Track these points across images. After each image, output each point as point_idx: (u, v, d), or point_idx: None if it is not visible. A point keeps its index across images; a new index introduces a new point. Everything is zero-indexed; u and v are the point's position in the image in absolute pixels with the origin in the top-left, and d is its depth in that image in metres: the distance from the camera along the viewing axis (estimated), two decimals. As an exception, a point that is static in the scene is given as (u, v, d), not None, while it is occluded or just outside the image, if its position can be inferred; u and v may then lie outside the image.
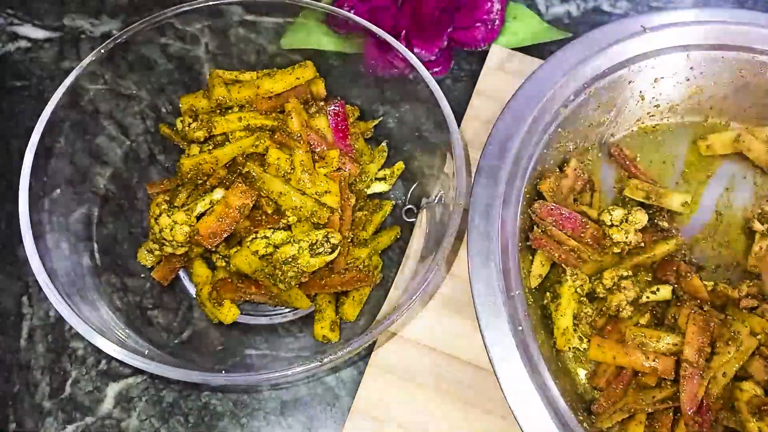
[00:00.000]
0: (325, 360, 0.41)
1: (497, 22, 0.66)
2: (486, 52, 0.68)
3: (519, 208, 0.52)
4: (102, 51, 0.53)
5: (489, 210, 0.50)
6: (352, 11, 0.64)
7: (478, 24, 0.66)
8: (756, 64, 0.60)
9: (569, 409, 0.45)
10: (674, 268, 0.53)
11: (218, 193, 0.48)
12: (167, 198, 0.49)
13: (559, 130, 0.56)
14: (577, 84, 0.57)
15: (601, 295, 0.52)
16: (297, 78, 0.55)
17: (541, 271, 0.52)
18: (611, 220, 0.52)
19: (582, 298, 0.51)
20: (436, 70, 0.67)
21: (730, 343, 0.47)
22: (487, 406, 0.52)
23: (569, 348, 0.50)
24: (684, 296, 0.52)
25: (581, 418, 0.46)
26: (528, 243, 0.52)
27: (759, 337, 0.49)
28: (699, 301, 0.52)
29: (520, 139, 0.53)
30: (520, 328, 0.46)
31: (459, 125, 0.64)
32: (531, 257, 0.53)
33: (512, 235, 0.50)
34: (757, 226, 0.56)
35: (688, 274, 0.52)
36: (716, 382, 0.47)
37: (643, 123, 0.63)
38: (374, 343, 0.54)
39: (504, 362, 0.44)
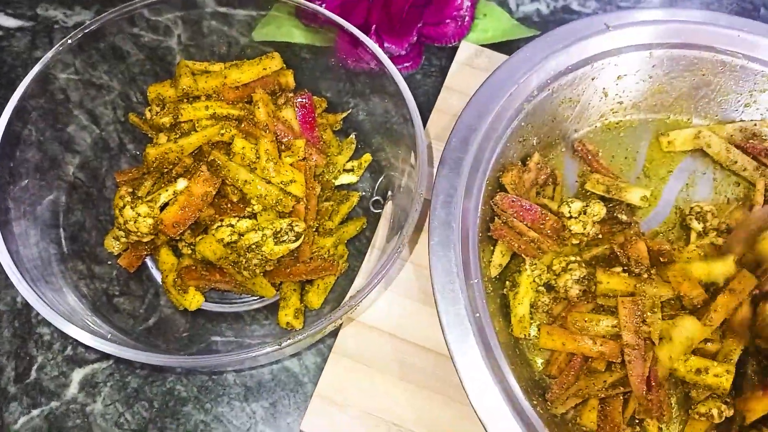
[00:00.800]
0: (284, 344, 0.41)
1: (467, 18, 0.67)
2: (456, 48, 0.69)
3: (480, 198, 0.53)
4: (72, 40, 0.53)
5: (450, 200, 0.51)
6: (323, 5, 0.65)
7: (448, 20, 0.67)
8: (717, 63, 0.62)
9: (525, 395, 0.46)
10: (622, 238, 0.55)
11: (181, 183, 0.49)
12: (131, 189, 0.50)
13: (523, 124, 0.57)
14: (540, 80, 0.58)
15: (552, 281, 0.54)
16: (264, 69, 0.55)
17: (501, 261, 0.54)
18: (570, 212, 0.54)
19: (540, 287, 0.53)
20: (406, 64, 0.68)
21: (654, 309, 0.49)
22: (448, 392, 0.53)
23: (525, 336, 0.52)
24: (631, 264, 0.53)
25: (535, 402, 0.47)
26: (489, 233, 0.54)
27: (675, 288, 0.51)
28: (645, 268, 0.53)
29: (483, 132, 0.54)
30: (478, 315, 0.47)
31: (427, 119, 0.65)
32: (492, 247, 0.55)
33: (473, 225, 0.51)
34: (694, 224, 0.57)
35: (634, 239, 0.54)
36: (662, 355, 0.48)
37: (606, 119, 0.64)
38: (338, 330, 0.54)
39: (461, 348, 0.46)
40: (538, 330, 0.53)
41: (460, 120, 0.54)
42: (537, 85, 0.58)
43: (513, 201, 0.53)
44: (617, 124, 0.65)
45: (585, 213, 0.54)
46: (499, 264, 0.54)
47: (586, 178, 0.60)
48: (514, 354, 0.51)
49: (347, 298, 0.52)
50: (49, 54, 0.52)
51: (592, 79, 0.61)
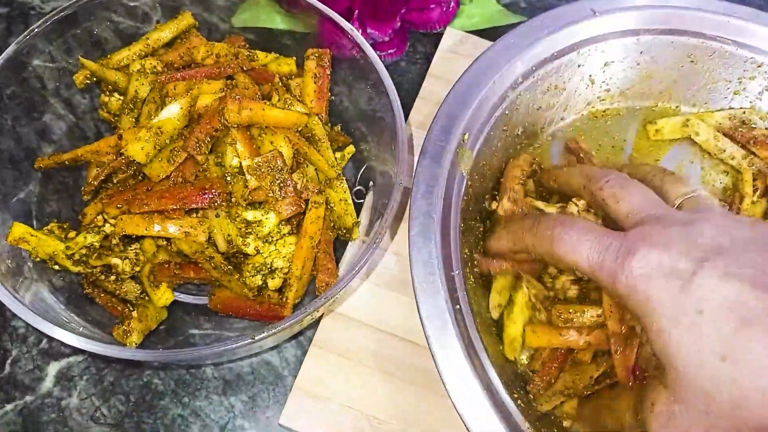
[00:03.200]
0: (258, 337, 0.41)
1: (452, 4, 0.66)
2: (441, 35, 0.67)
3: (462, 188, 0.52)
4: (45, 24, 0.52)
5: (431, 190, 0.50)
6: (305, -10, 0.63)
7: (433, 6, 0.66)
8: (706, 49, 0.61)
9: (506, 389, 0.46)
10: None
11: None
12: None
13: (507, 113, 0.56)
14: (525, 67, 0.57)
15: (548, 284, 0.52)
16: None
17: (501, 300, 0.52)
18: (579, 211, 0.52)
19: (538, 305, 0.51)
20: (390, 51, 0.67)
21: None
22: (429, 384, 0.52)
23: (516, 358, 0.50)
24: None
25: (516, 396, 0.46)
26: (476, 270, 0.52)
27: None
28: None
29: (465, 121, 0.53)
30: (458, 307, 0.46)
31: (411, 107, 0.64)
32: (485, 290, 0.53)
33: (454, 216, 0.50)
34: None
35: None
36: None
37: (593, 107, 0.63)
38: (318, 322, 0.54)
39: (440, 341, 0.45)
40: (531, 356, 0.52)
41: (442, 108, 0.53)
42: (522, 72, 0.56)
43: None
44: (604, 112, 0.64)
45: (588, 210, 0.52)
46: (499, 304, 0.52)
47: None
48: (496, 349, 0.50)
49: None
50: (21, 38, 0.51)
51: (579, 66, 0.60)
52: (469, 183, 0.53)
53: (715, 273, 0.36)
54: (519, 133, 0.59)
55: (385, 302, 0.55)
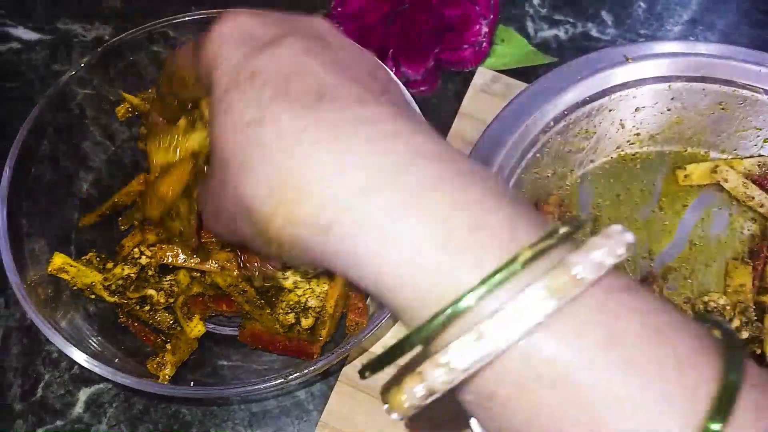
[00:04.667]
0: (290, 378, 0.41)
1: (484, 44, 0.67)
2: (473, 73, 0.68)
3: None
4: (94, 57, 0.54)
5: None
6: (341, 29, 0.65)
7: (466, 46, 0.67)
8: (737, 98, 0.61)
9: None
10: None
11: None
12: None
13: (538, 156, 0.57)
14: (557, 111, 0.57)
15: None
16: None
17: None
18: None
19: None
20: (422, 89, 0.68)
21: None
22: (461, 425, 0.52)
23: None
24: None
25: None
26: None
27: None
28: None
29: (497, 165, 0.54)
30: None
31: (442, 145, 0.65)
32: None
33: None
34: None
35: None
36: None
37: (622, 150, 0.64)
38: (346, 357, 0.54)
39: None
40: None
41: (475, 151, 0.54)
42: (553, 116, 0.57)
43: None
44: (633, 155, 0.64)
45: None
46: None
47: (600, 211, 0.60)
48: None
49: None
50: (70, 72, 0.53)
51: (610, 111, 0.61)
52: None
53: (293, 45, 0.29)
54: (549, 175, 0.60)
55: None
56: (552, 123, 0.57)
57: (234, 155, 0.28)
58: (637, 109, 0.61)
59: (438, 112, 0.68)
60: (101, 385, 0.54)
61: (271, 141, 0.27)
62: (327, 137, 0.26)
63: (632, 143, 0.63)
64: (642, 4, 0.77)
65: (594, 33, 0.75)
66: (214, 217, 0.32)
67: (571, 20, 0.75)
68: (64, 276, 0.48)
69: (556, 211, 0.57)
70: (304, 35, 0.31)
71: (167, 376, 0.46)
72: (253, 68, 0.29)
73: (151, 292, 0.48)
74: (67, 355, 0.54)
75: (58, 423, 0.52)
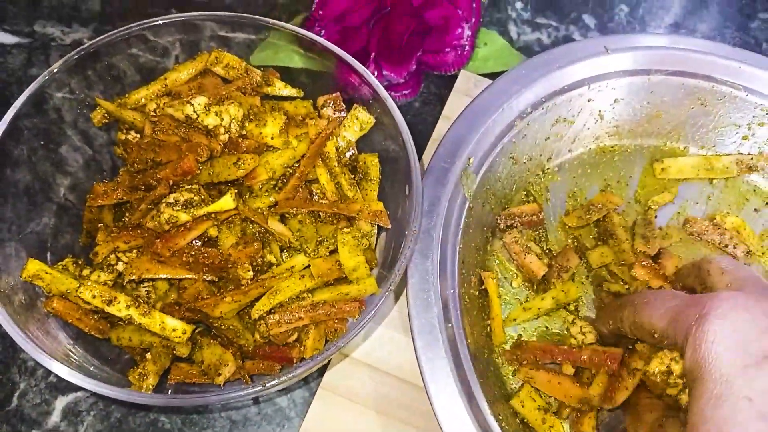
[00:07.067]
0: (268, 385, 0.41)
1: (467, 48, 0.67)
2: (455, 77, 0.68)
3: (464, 211, 0.53)
4: (71, 59, 0.53)
5: (432, 209, 0.51)
6: (323, 31, 0.64)
7: (448, 49, 0.67)
8: (716, 93, 0.62)
9: (490, 408, 0.46)
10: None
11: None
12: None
13: (513, 141, 0.57)
14: (535, 97, 0.58)
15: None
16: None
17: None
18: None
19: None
20: (405, 92, 0.68)
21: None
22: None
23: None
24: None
25: (501, 416, 0.47)
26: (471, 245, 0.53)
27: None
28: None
29: (471, 145, 0.54)
30: (450, 325, 0.47)
31: (425, 148, 0.65)
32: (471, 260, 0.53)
33: (453, 235, 0.51)
34: None
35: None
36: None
37: (601, 142, 0.64)
38: (327, 364, 0.54)
39: (428, 356, 0.46)
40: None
41: (450, 131, 0.54)
42: (531, 102, 0.57)
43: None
44: (612, 147, 0.64)
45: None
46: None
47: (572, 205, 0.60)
48: (485, 368, 0.51)
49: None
50: (46, 74, 0.52)
51: (588, 101, 0.60)
52: (471, 206, 0.54)
53: None
54: (525, 161, 0.59)
55: (396, 346, 0.55)
56: (530, 109, 0.57)
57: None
58: (616, 101, 0.61)
59: (421, 115, 0.68)
60: (78, 394, 0.53)
61: None
62: None
63: (611, 135, 0.63)
64: (624, 7, 0.78)
65: (577, 36, 0.76)
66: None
67: (554, 24, 0.75)
68: (39, 283, 0.47)
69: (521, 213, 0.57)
70: None
71: (150, 386, 0.45)
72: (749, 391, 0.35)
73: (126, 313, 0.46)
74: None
75: (34, 433, 0.51)
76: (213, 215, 0.47)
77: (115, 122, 0.59)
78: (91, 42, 0.54)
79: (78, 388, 0.53)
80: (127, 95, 0.56)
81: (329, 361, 0.53)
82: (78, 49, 0.53)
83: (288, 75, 0.61)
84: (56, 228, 0.54)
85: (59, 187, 0.56)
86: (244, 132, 0.49)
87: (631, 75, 0.60)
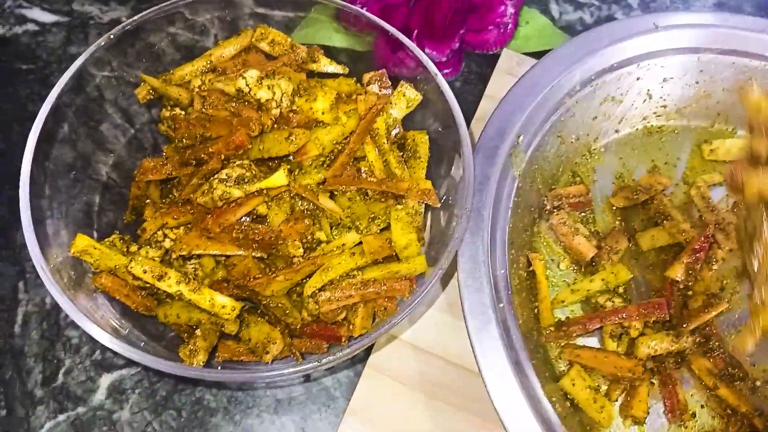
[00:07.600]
0: (324, 361, 0.40)
1: (510, 26, 0.66)
2: (497, 56, 0.67)
3: (514, 189, 0.52)
4: (111, 37, 0.52)
5: (482, 188, 0.50)
6: (365, 9, 0.63)
7: (491, 27, 0.65)
8: (766, 72, 0.60)
9: (543, 390, 0.45)
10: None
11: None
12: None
13: (562, 119, 0.56)
14: (583, 75, 0.56)
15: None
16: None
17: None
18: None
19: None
20: (446, 71, 0.66)
21: None
22: (489, 415, 0.51)
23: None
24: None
25: (554, 399, 0.46)
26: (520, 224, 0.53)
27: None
28: None
29: (520, 124, 0.53)
30: (501, 305, 0.47)
31: (468, 128, 0.63)
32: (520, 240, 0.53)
33: (503, 215, 0.50)
34: None
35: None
36: None
37: (648, 122, 0.62)
38: (372, 345, 0.53)
39: (481, 336, 0.45)
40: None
41: (498, 109, 0.53)
42: (579, 80, 0.56)
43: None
44: (660, 128, 0.63)
45: None
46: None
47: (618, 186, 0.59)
48: (535, 349, 0.50)
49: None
50: (90, 50, 0.51)
51: (637, 79, 0.59)
52: (520, 185, 0.53)
53: None
54: (573, 140, 0.58)
55: (443, 328, 0.54)
56: (578, 87, 0.56)
57: None
58: (665, 80, 0.60)
59: (463, 95, 0.66)
60: (123, 371, 0.53)
61: None
62: None
63: (659, 115, 0.62)
64: (668, -14, 0.76)
65: (619, 15, 0.74)
66: None
67: (597, 3, 0.74)
68: (87, 258, 0.47)
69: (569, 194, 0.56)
70: None
71: (201, 363, 0.44)
72: None
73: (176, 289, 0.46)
74: (87, 341, 0.54)
75: (80, 409, 0.51)
76: (264, 191, 0.46)
77: (155, 100, 0.58)
78: (131, 20, 0.54)
79: (122, 366, 0.53)
80: (171, 72, 0.55)
81: (374, 342, 0.53)
82: (118, 27, 0.53)
83: (328, 54, 0.60)
84: (100, 206, 0.54)
85: (102, 166, 0.56)
86: (294, 107, 0.48)
87: (681, 53, 0.59)
